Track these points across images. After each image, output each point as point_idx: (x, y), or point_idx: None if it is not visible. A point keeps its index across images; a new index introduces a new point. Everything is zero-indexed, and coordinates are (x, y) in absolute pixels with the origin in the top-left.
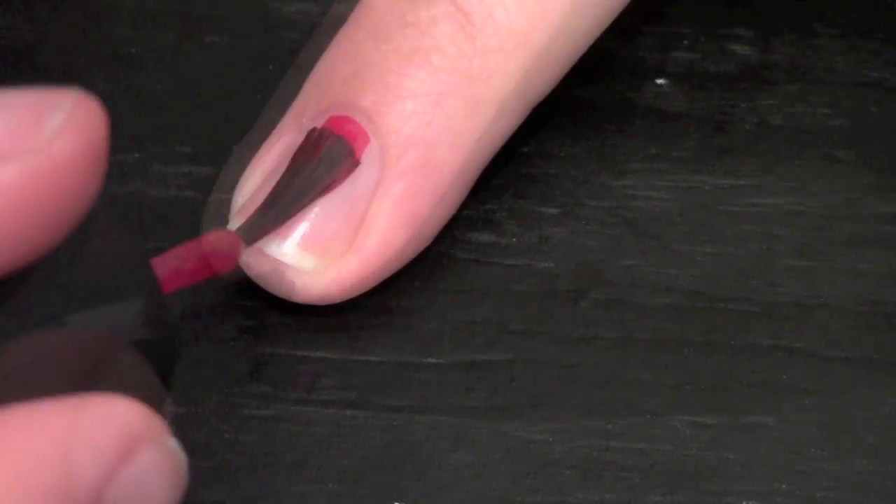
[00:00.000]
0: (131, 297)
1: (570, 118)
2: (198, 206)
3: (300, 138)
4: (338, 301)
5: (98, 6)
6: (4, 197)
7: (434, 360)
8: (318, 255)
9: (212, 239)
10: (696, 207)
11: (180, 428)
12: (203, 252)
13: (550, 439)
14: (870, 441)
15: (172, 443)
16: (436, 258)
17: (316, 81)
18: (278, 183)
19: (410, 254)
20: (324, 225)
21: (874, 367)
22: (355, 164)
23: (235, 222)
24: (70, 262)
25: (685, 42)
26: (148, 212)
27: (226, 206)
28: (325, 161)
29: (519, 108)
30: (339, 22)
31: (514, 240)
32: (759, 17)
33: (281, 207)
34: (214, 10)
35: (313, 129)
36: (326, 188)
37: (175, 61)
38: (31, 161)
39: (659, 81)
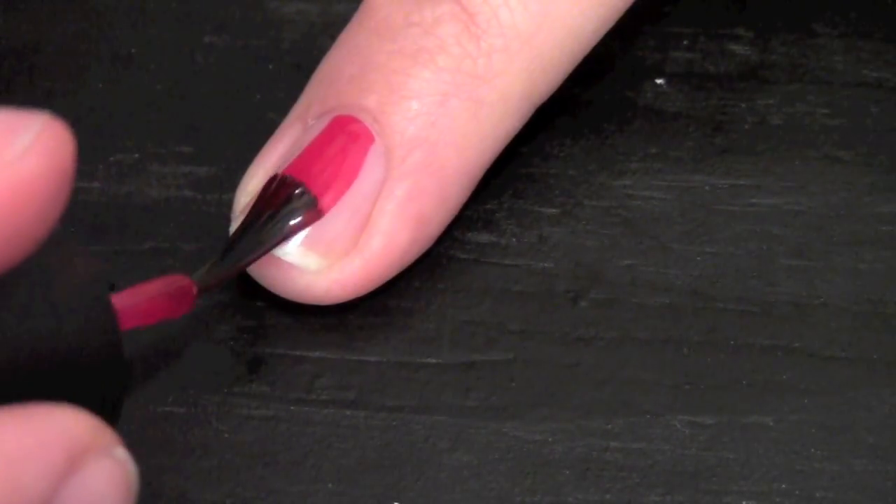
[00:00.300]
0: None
1: (570, 118)
2: (197, 207)
3: (304, 137)
4: (340, 301)
5: (98, 6)
6: None
7: (433, 360)
8: (322, 254)
9: (167, 282)
10: (695, 207)
11: (180, 428)
12: (157, 294)
13: (549, 439)
14: (869, 441)
15: (122, 453)
16: (435, 258)
17: (320, 81)
18: (238, 228)
19: (414, 254)
20: (328, 225)
21: (874, 367)
22: (318, 214)
23: (237, 222)
24: (30, 292)
25: (685, 42)
26: (147, 212)
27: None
28: (286, 210)
29: (523, 109)
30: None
31: (514, 240)
32: (758, 17)
33: (238, 255)
34: (214, 10)
35: (274, 176)
36: (285, 237)
37: (175, 61)
38: None
39: (658, 81)
